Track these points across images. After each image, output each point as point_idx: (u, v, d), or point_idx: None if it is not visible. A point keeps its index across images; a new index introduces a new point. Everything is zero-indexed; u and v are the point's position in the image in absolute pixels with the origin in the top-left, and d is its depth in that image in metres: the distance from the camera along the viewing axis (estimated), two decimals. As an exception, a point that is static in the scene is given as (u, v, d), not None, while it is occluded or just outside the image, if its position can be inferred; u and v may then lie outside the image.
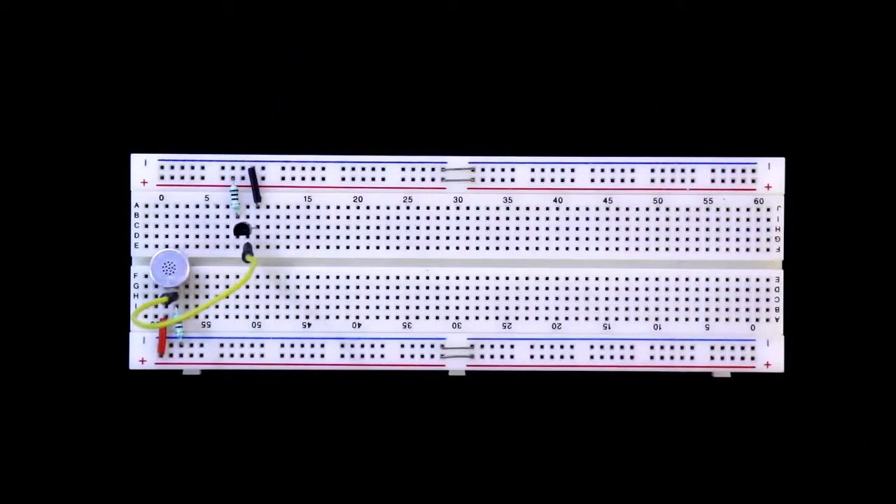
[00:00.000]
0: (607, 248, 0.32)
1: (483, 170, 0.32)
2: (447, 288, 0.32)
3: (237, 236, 0.32)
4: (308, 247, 0.32)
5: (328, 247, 0.32)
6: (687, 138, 0.34)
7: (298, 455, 0.34)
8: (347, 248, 0.32)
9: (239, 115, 0.34)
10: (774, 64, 0.34)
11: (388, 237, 0.32)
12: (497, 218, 0.32)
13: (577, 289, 0.32)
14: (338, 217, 0.32)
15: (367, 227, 0.32)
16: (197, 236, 0.32)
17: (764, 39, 0.34)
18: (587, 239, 0.32)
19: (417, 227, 0.32)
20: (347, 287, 0.32)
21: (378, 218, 0.32)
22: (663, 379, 0.33)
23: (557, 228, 0.32)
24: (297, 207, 0.32)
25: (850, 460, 0.34)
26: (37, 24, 0.34)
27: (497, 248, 0.32)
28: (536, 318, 0.32)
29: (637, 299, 0.32)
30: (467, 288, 0.32)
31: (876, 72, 0.34)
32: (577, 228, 0.32)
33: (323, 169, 0.32)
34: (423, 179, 0.32)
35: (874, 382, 0.34)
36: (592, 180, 0.32)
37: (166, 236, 0.32)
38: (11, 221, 0.34)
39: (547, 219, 0.32)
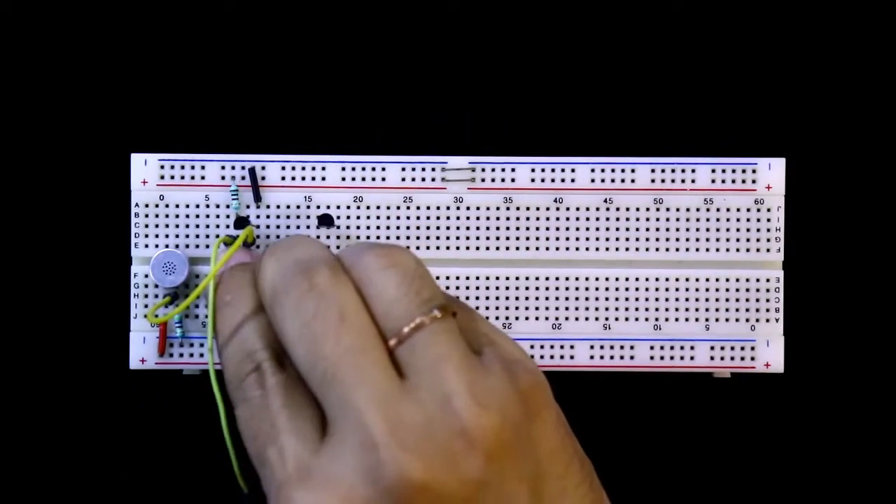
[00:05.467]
0: (607, 248, 0.32)
1: (483, 170, 0.32)
2: (447, 288, 0.32)
3: (237, 229, 0.32)
4: (308, 247, 0.32)
5: (328, 247, 0.32)
6: (687, 138, 0.34)
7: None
8: (347, 248, 0.32)
9: (239, 115, 0.34)
10: (774, 64, 0.34)
11: (388, 237, 0.32)
12: (497, 218, 0.32)
13: (577, 289, 0.32)
14: (338, 217, 0.32)
15: (368, 227, 0.32)
16: (197, 236, 0.32)
17: (764, 39, 0.34)
18: (587, 239, 0.32)
19: (417, 227, 0.32)
20: None
21: (378, 218, 0.32)
22: (663, 379, 0.33)
23: (557, 228, 0.32)
24: (298, 207, 0.32)
25: (850, 460, 0.34)
26: (37, 24, 0.34)
27: (497, 248, 0.32)
28: (536, 318, 0.32)
29: (637, 299, 0.32)
30: (467, 288, 0.32)
31: (876, 72, 0.34)
32: (577, 228, 0.32)
33: (323, 169, 0.32)
34: (423, 179, 0.32)
35: (874, 382, 0.34)
36: (592, 180, 0.32)
37: (166, 236, 0.32)
38: (11, 221, 0.34)
39: (547, 219, 0.32)
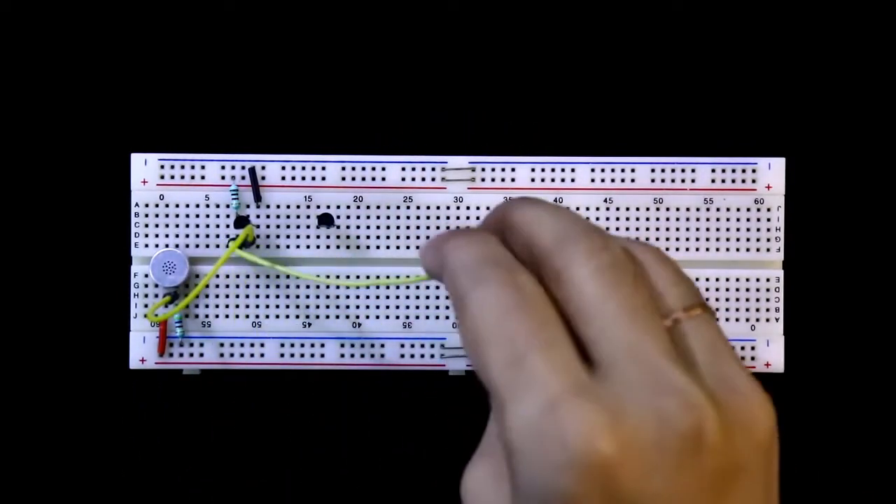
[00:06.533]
0: (607, 248, 0.32)
1: (483, 170, 0.32)
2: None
3: (237, 229, 0.32)
4: (308, 246, 0.32)
5: (328, 246, 0.32)
6: (687, 138, 0.34)
7: (298, 455, 0.34)
8: (348, 247, 0.32)
9: (239, 115, 0.34)
10: (774, 64, 0.34)
11: (388, 237, 0.32)
12: (497, 218, 0.32)
13: (577, 289, 0.32)
14: (338, 217, 0.32)
15: (368, 227, 0.32)
16: (197, 236, 0.32)
17: (764, 39, 0.34)
18: (587, 239, 0.32)
19: (417, 227, 0.32)
20: (347, 287, 0.32)
21: (378, 218, 0.32)
22: (663, 379, 0.33)
23: (557, 228, 0.32)
24: (298, 207, 0.32)
25: (851, 460, 0.34)
26: (37, 24, 0.34)
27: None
28: (536, 318, 0.32)
29: (637, 299, 0.32)
30: (467, 288, 0.32)
31: (876, 72, 0.34)
32: (577, 228, 0.32)
33: (323, 169, 0.32)
34: (423, 179, 0.32)
35: (874, 382, 0.34)
36: (592, 180, 0.32)
37: (166, 236, 0.32)
38: (11, 221, 0.34)
39: (547, 219, 0.32)
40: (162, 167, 0.32)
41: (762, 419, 0.23)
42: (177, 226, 0.32)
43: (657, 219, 0.32)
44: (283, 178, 0.32)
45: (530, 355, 0.21)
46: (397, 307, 0.32)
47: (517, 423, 0.20)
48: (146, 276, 0.32)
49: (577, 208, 0.32)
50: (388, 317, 0.32)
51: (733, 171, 0.32)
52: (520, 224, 0.23)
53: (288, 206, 0.32)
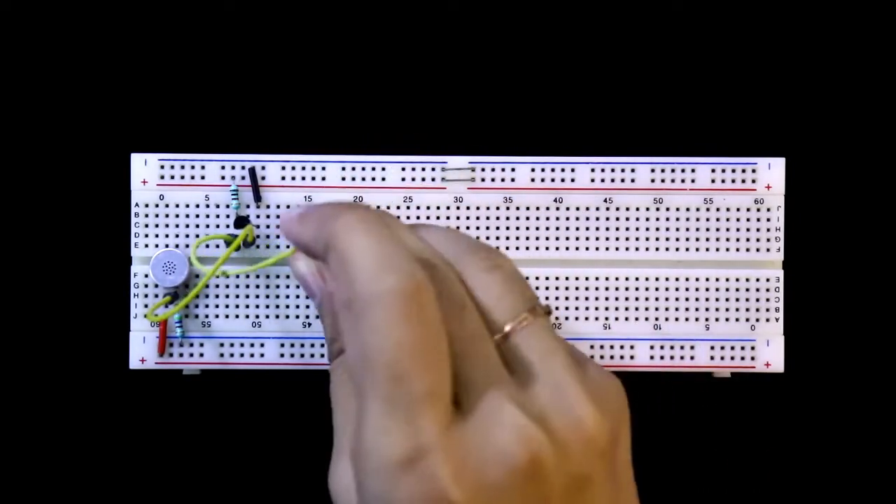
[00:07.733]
0: (607, 248, 0.32)
1: (483, 170, 0.32)
2: (447, 288, 0.32)
3: (237, 229, 0.32)
4: (308, 246, 0.32)
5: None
6: (687, 138, 0.34)
7: (298, 455, 0.34)
8: (347, 247, 0.32)
9: (239, 115, 0.34)
10: (774, 64, 0.34)
11: (388, 237, 0.32)
12: (497, 218, 0.32)
13: (577, 289, 0.32)
14: (338, 217, 0.32)
15: (367, 227, 0.32)
16: (197, 236, 0.32)
17: (764, 39, 0.34)
18: (587, 239, 0.32)
19: (417, 227, 0.32)
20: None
21: (378, 218, 0.32)
22: (663, 379, 0.33)
23: (557, 228, 0.32)
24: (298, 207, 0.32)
25: (851, 460, 0.34)
26: (37, 24, 0.34)
27: (497, 248, 0.32)
28: (536, 318, 0.32)
29: (637, 299, 0.32)
30: (467, 288, 0.32)
31: (876, 72, 0.34)
32: (577, 228, 0.32)
33: (323, 169, 0.32)
34: (423, 179, 0.32)
35: (874, 382, 0.34)
36: (592, 180, 0.32)
37: (166, 236, 0.32)
38: (12, 221, 0.34)
39: (547, 219, 0.32)
40: (162, 167, 0.32)
41: (597, 429, 0.22)
42: (177, 226, 0.32)
43: (657, 219, 0.32)
44: (283, 178, 0.32)
45: (416, 402, 0.20)
46: (397, 307, 0.32)
47: (375, 463, 0.20)
48: (146, 276, 0.32)
49: (577, 208, 0.32)
50: (388, 317, 0.32)
51: (733, 171, 0.32)
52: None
53: (288, 207, 0.32)
